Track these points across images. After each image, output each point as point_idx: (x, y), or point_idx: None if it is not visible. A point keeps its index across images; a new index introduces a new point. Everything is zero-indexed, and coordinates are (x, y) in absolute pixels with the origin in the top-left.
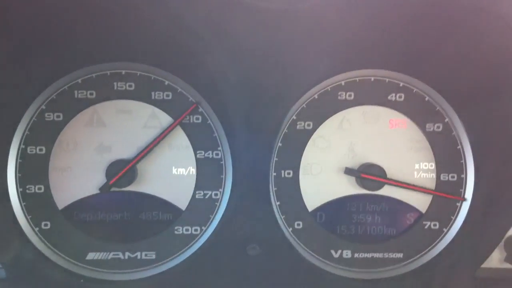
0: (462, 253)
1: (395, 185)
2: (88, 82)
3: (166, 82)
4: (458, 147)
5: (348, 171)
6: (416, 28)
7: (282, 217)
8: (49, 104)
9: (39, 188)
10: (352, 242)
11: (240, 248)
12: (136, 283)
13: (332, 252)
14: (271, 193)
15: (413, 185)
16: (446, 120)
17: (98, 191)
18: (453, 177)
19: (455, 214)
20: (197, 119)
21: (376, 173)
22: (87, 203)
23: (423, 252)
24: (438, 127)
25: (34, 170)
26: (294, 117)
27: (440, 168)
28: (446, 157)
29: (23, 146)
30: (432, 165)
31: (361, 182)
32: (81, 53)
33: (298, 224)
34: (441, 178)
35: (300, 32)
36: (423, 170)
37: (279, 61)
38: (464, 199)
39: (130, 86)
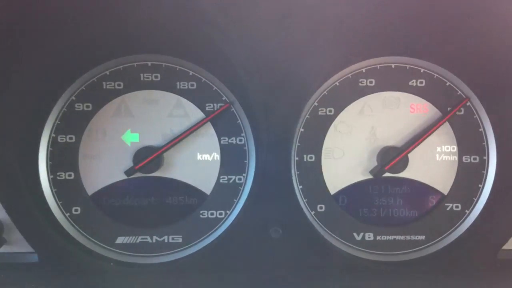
0: (484, 235)
1: (415, 147)
2: (116, 73)
3: (191, 73)
4: (480, 129)
5: (374, 173)
6: (435, 14)
7: (305, 200)
8: (79, 95)
9: (69, 175)
10: (374, 225)
11: (263, 231)
12: (163, 266)
13: (355, 234)
14: (294, 177)
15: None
16: (468, 103)
17: (126, 177)
18: (475, 159)
19: (477, 196)
20: (221, 106)
21: (395, 154)
22: (115, 189)
23: (445, 234)
24: (460, 111)
25: (64, 158)
26: (315, 103)
27: (462, 151)
28: (468, 139)
29: (54, 135)
30: (454, 148)
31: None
32: (109, 46)
33: (321, 208)
34: (463, 160)
35: (321, 20)
36: (445, 152)
37: (300, 48)
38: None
39: (156, 77)
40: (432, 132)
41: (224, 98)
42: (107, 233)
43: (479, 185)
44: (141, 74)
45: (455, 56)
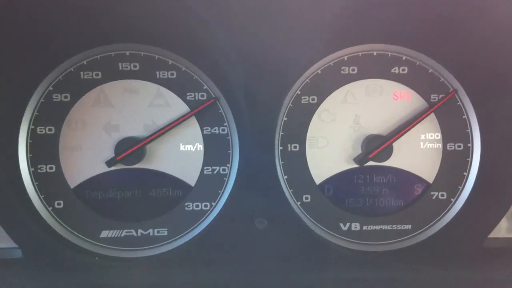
0: (470, 223)
1: (399, 136)
2: (93, 63)
3: (170, 62)
4: (464, 116)
5: (358, 161)
6: (416, 1)
7: (290, 191)
8: (56, 85)
9: (51, 168)
10: (360, 215)
11: (248, 223)
12: (149, 259)
13: (341, 225)
14: (278, 167)
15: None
16: (451, 90)
17: (108, 170)
18: (459, 146)
19: (462, 184)
20: (202, 96)
21: (380, 143)
22: (98, 181)
23: (431, 223)
24: (443, 97)
25: (44, 150)
26: (298, 92)
27: (446, 138)
28: (451, 127)
29: (33, 127)
30: (438, 135)
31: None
32: (85, 36)
33: (306, 198)
34: (448, 147)
35: (301, 8)
36: (429, 140)
37: (280, 37)
38: None
39: (134, 66)
40: (417, 123)
41: (205, 87)
42: (91, 227)
43: (464, 173)
44: (120, 64)
45: (436, 43)
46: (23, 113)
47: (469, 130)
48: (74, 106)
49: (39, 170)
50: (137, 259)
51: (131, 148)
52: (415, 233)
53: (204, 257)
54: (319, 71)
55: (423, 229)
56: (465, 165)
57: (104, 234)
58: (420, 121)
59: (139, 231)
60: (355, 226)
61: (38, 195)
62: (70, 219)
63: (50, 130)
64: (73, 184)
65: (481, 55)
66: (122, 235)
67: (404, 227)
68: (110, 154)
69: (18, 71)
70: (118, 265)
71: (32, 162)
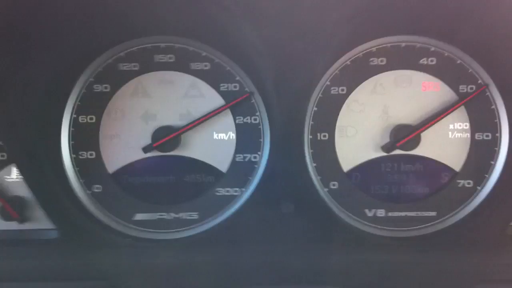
0: (495, 211)
1: (428, 127)
2: (130, 55)
3: (204, 53)
4: (492, 107)
5: (386, 149)
6: None
7: (318, 178)
8: (97, 76)
9: (91, 154)
10: (386, 202)
11: (277, 208)
12: (180, 241)
13: (366, 211)
14: (307, 156)
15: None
16: (479, 81)
17: (144, 156)
18: (487, 136)
19: (489, 172)
20: (235, 86)
21: (408, 132)
22: (135, 167)
23: (456, 210)
24: (471, 88)
25: (85, 138)
26: (328, 82)
27: (474, 128)
28: (480, 117)
29: (75, 116)
30: (466, 125)
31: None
32: (122, 28)
33: (334, 185)
34: (476, 137)
35: (331, 0)
36: (457, 130)
37: (310, 28)
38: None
39: (170, 58)
40: (447, 114)
41: (238, 78)
42: (126, 210)
43: (491, 162)
44: (155, 56)
45: (465, 34)
46: (66, 102)
47: (497, 120)
48: (114, 96)
49: (80, 157)
50: (169, 240)
51: (167, 136)
52: (439, 220)
53: (231, 239)
54: (348, 62)
55: (448, 216)
56: (492, 154)
57: (138, 217)
58: (450, 113)
59: (171, 214)
60: (380, 213)
61: (78, 180)
62: (107, 203)
63: (91, 119)
64: (111, 169)
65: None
66: (155, 218)
67: (429, 213)
68: (147, 141)
69: (60, 62)
70: (150, 246)
71: (74, 149)
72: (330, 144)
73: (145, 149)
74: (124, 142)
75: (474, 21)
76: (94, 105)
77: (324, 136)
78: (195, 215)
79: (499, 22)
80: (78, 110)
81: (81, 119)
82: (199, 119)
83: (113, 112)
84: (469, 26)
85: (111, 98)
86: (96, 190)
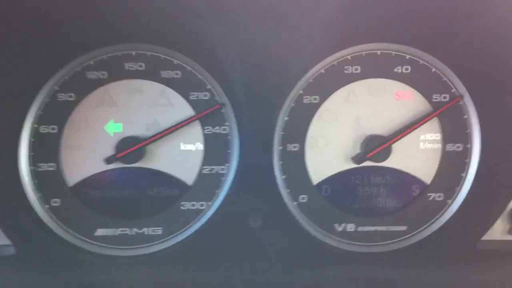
0: (465, 225)
1: (400, 138)
2: (100, 63)
3: (175, 61)
4: (465, 116)
5: (356, 160)
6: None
7: (287, 191)
8: (62, 85)
9: (50, 166)
10: (356, 216)
11: (244, 222)
12: (142, 258)
13: (336, 225)
14: (277, 167)
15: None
16: (453, 90)
17: (107, 168)
18: (458, 147)
19: (460, 186)
20: (205, 95)
21: (379, 143)
22: (96, 180)
23: (427, 225)
24: (445, 97)
25: (46, 149)
26: (300, 91)
27: (445, 138)
28: (452, 127)
29: (36, 125)
30: (438, 136)
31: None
32: (92, 36)
33: (303, 198)
34: (447, 148)
35: (304, 6)
36: (428, 140)
37: (284, 36)
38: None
39: (140, 66)
40: (419, 125)
41: (209, 86)
42: (87, 225)
43: (462, 174)
44: (125, 64)
45: (440, 42)
46: (27, 112)
47: (469, 131)
48: (78, 105)
49: (39, 169)
50: (131, 257)
51: (131, 147)
52: (410, 235)
53: (197, 256)
54: (322, 71)
55: (418, 230)
56: (463, 167)
57: (99, 232)
58: (422, 124)
59: (134, 229)
60: (350, 227)
61: (36, 193)
62: (66, 217)
63: (53, 129)
64: (72, 182)
65: (487, 58)
66: (117, 233)
67: (399, 228)
68: (110, 153)
69: (24, 70)
70: (111, 263)
71: (33, 160)
72: (300, 155)
73: (108, 160)
74: (87, 154)
75: (451, 31)
76: (57, 114)
77: (295, 147)
78: (159, 231)
79: (476, 33)
80: (40, 120)
81: (42, 129)
82: (166, 129)
83: (77, 122)
84: (446, 35)
85: (75, 108)
86: (54, 204)
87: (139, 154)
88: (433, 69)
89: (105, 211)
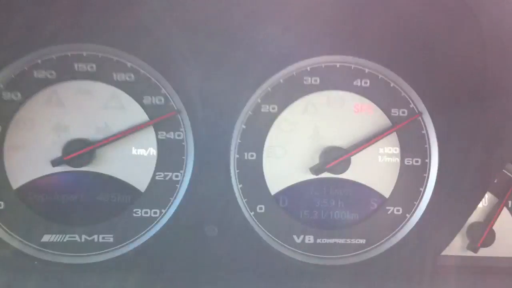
0: (424, 240)
1: (359, 151)
2: (48, 63)
3: (129, 64)
4: (423, 131)
5: (314, 171)
6: (382, 15)
7: (244, 200)
8: (8, 83)
9: None
10: (315, 227)
11: (199, 231)
12: (93, 266)
13: (294, 237)
14: (233, 176)
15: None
16: (411, 105)
17: (54, 172)
18: (417, 161)
19: (418, 199)
20: (160, 100)
21: (338, 155)
22: (43, 183)
23: (386, 238)
24: (403, 112)
25: None
26: (258, 100)
27: (404, 153)
28: (410, 141)
29: None
30: (396, 149)
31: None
32: (41, 34)
33: (260, 208)
34: (405, 162)
35: (266, 16)
36: (387, 154)
37: (243, 44)
38: None
39: (91, 67)
40: (378, 140)
41: (164, 91)
42: (32, 231)
43: (420, 189)
44: (75, 64)
45: (399, 58)
46: None
47: (427, 146)
48: (24, 105)
49: None
50: (80, 265)
51: (79, 150)
52: (369, 248)
53: (150, 265)
54: (281, 80)
55: (377, 244)
56: (422, 181)
57: (46, 238)
58: (381, 138)
59: (83, 236)
60: (309, 239)
61: None
62: (11, 221)
63: None
64: (16, 184)
65: (445, 71)
66: (65, 240)
67: (358, 241)
68: (57, 155)
69: None
70: (59, 271)
71: None
72: (258, 164)
73: (54, 162)
74: (32, 155)
75: (411, 47)
76: (1, 113)
77: (252, 156)
78: (110, 238)
79: (435, 50)
80: None
81: None
82: (117, 133)
83: (22, 122)
84: (406, 52)
85: (21, 107)
86: None
87: (88, 157)
88: (392, 84)
89: (52, 216)
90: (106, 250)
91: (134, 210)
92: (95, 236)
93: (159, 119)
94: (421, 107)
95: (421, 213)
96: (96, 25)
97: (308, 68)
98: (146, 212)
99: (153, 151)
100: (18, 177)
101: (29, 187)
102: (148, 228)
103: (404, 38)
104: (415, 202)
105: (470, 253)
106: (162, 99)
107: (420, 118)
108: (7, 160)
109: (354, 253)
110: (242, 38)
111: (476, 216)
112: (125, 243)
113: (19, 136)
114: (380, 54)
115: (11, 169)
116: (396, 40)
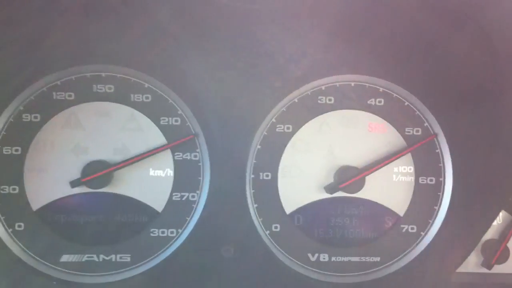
0: (439, 257)
1: (373, 171)
2: (67, 84)
3: (146, 85)
4: (437, 150)
5: (329, 189)
6: (397, 34)
7: (260, 219)
8: (27, 105)
9: (14, 189)
10: (329, 246)
11: (215, 250)
12: (110, 286)
13: (309, 255)
14: (249, 196)
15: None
16: (425, 124)
17: (72, 193)
18: (431, 180)
19: (433, 218)
20: (176, 121)
21: (352, 175)
22: (62, 204)
23: (400, 256)
24: (417, 131)
25: (8, 171)
26: (273, 120)
27: (418, 172)
28: (425, 160)
29: None
30: (411, 169)
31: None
32: (60, 56)
33: (276, 227)
34: (420, 181)
35: (280, 36)
36: (401, 173)
37: (258, 64)
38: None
39: (109, 88)
40: (393, 160)
41: (180, 112)
42: (52, 251)
43: (435, 207)
44: (94, 85)
45: (414, 77)
46: None
47: (441, 165)
48: (44, 126)
49: (1, 191)
50: (98, 285)
51: (98, 172)
52: (383, 266)
53: (167, 284)
54: (296, 100)
55: (391, 262)
56: (436, 199)
57: (65, 258)
58: (396, 159)
59: (101, 256)
60: (324, 257)
61: None
62: (30, 242)
63: (16, 150)
64: (36, 206)
65: (459, 90)
66: (83, 260)
67: (373, 259)
68: (77, 176)
69: None
70: None
71: None
72: (273, 184)
73: (73, 184)
74: (51, 177)
75: (426, 66)
76: (21, 136)
77: (267, 175)
78: (127, 258)
79: (451, 71)
80: (3, 141)
81: (5, 150)
82: (135, 156)
83: (41, 144)
84: (421, 70)
85: (40, 129)
86: (18, 228)
87: (106, 179)
88: (406, 103)
89: (71, 237)
90: (123, 270)
91: (151, 230)
92: (113, 256)
93: (177, 143)
94: (436, 127)
95: (435, 231)
96: (114, 46)
97: (323, 87)
98: (163, 232)
99: (170, 172)
100: (38, 199)
101: (49, 208)
102: (165, 247)
103: (419, 58)
104: (429, 221)
105: (484, 270)
106: (179, 120)
107: (435, 138)
108: (27, 182)
109: (369, 271)
110: (258, 59)
111: (490, 233)
112: (142, 263)
113: (38, 158)
114: (394, 73)
115: (31, 190)
116: (413, 61)
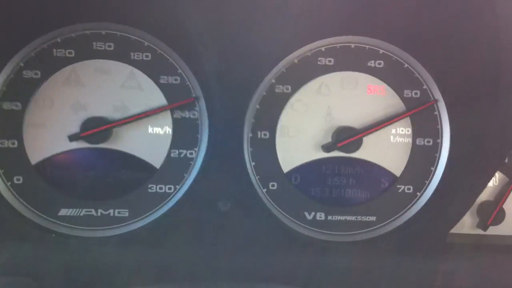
0: (434, 218)
1: (371, 132)
2: (67, 41)
3: (146, 43)
4: (435, 112)
5: (326, 148)
6: None
7: (257, 177)
8: (28, 61)
9: (13, 143)
10: (326, 205)
11: (213, 206)
12: (108, 240)
13: (306, 214)
14: (246, 154)
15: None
16: (424, 86)
17: (72, 148)
18: (428, 142)
19: (429, 179)
20: (176, 80)
21: (350, 134)
22: (60, 159)
23: (396, 216)
24: (416, 93)
25: (8, 125)
26: (273, 80)
27: (416, 133)
28: (422, 122)
29: None
30: (408, 130)
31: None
32: (61, 13)
33: (273, 185)
34: (417, 142)
35: None
36: (399, 134)
37: (259, 24)
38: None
39: (109, 46)
40: (391, 123)
41: (180, 71)
42: (50, 205)
43: (431, 168)
44: (94, 43)
45: (414, 39)
46: None
47: (439, 127)
48: (44, 83)
49: (0, 145)
50: (96, 238)
51: (97, 128)
52: (379, 225)
53: (164, 239)
54: (295, 61)
55: (387, 221)
56: (433, 161)
57: (63, 212)
58: (395, 121)
59: (99, 211)
60: (320, 216)
61: None
62: (29, 195)
63: (16, 106)
64: (34, 160)
65: (459, 53)
66: (82, 214)
67: (368, 218)
68: (76, 132)
69: None
70: (76, 244)
71: None
72: (271, 143)
73: (72, 137)
74: (51, 132)
75: (427, 30)
76: (21, 91)
77: (265, 134)
78: (125, 213)
79: (452, 35)
80: (3, 97)
81: (6, 105)
82: (135, 115)
83: (41, 100)
84: (422, 34)
85: (40, 85)
86: (16, 182)
87: (105, 135)
88: (405, 65)
89: (69, 191)
90: (121, 224)
91: (149, 186)
92: (111, 211)
93: (177, 104)
94: (436, 92)
95: (431, 192)
96: (114, 4)
97: (323, 49)
98: (161, 188)
99: (168, 130)
100: (37, 153)
101: (47, 163)
102: (163, 203)
103: (421, 21)
104: (426, 181)
105: (479, 231)
106: (179, 79)
107: (432, 99)
108: (26, 137)
109: (364, 230)
110: (257, 19)
111: (486, 194)
112: (140, 218)
113: (38, 113)
114: (394, 35)
115: (30, 145)
116: (413, 23)
